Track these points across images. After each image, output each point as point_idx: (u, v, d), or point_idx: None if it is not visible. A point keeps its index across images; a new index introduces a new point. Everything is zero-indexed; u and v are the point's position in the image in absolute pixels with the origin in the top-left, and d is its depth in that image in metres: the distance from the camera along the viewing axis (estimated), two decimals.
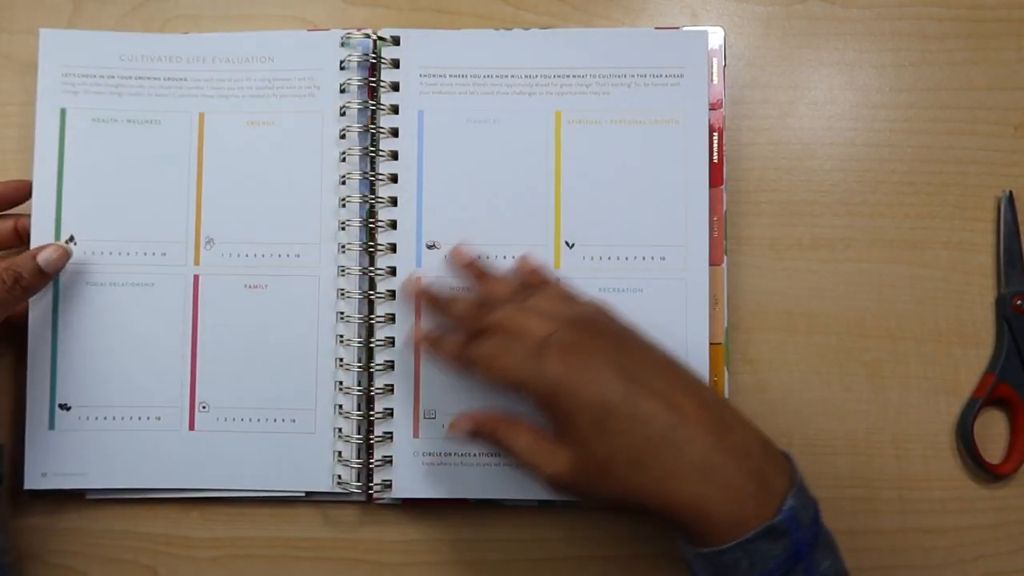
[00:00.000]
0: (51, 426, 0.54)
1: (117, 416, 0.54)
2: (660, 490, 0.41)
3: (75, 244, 0.54)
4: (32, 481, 0.54)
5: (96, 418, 0.54)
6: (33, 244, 0.54)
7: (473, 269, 0.53)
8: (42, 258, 0.51)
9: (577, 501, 0.47)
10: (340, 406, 0.53)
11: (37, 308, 0.54)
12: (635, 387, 0.42)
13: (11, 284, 0.50)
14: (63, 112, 0.55)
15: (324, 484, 0.53)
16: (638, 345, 0.46)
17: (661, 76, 0.54)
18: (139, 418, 0.54)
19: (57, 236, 0.54)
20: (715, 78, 0.55)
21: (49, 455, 0.54)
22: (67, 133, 0.55)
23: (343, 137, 0.55)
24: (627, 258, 0.53)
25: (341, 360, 0.54)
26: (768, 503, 0.40)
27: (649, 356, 0.45)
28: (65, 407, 0.54)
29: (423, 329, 0.53)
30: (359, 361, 0.54)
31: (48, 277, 0.52)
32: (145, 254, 0.55)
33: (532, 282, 0.52)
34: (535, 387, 0.44)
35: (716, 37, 0.55)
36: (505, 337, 0.46)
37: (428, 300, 0.53)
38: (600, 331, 0.46)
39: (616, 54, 0.55)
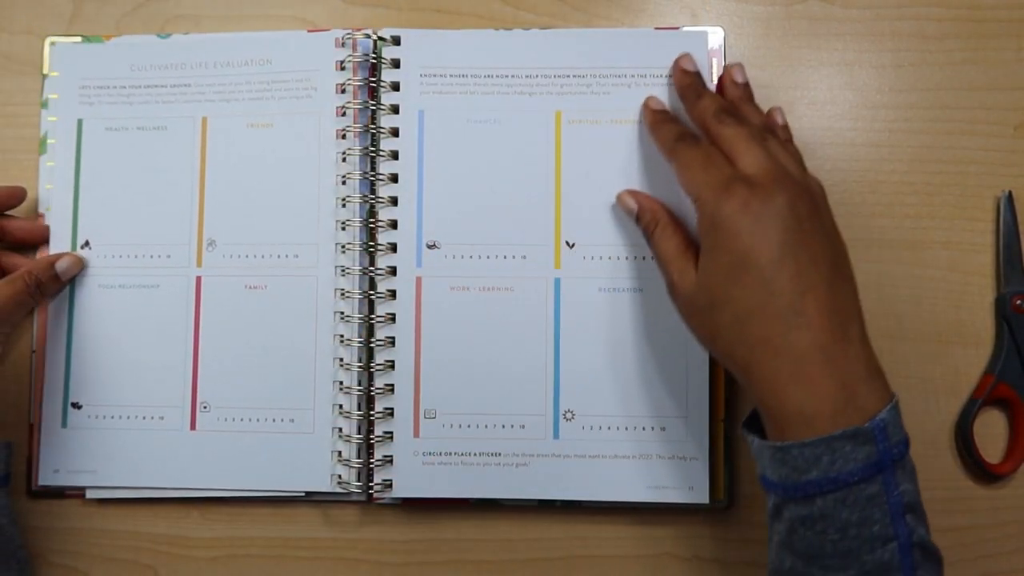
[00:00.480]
0: (64, 424, 0.54)
1: (124, 415, 0.55)
2: (748, 356, 0.43)
3: (90, 248, 0.55)
4: (45, 477, 0.54)
5: (105, 417, 0.55)
6: (52, 250, 0.56)
7: (739, 91, 0.52)
8: (60, 266, 0.54)
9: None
10: (340, 406, 0.54)
11: (53, 309, 0.55)
12: (788, 261, 0.42)
13: (33, 289, 0.53)
14: (80, 123, 0.56)
15: (323, 484, 0.53)
16: (822, 235, 0.45)
17: (661, 76, 0.54)
18: (144, 417, 0.54)
19: (74, 242, 0.56)
20: (715, 78, 0.55)
21: (61, 452, 0.54)
22: (83, 142, 0.56)
23: (343, 137, 0.55)
24: (628, 258, 0.53)
25: (341, 360, 0.54)
26: (850, 415, 0.41)
27: (822, 250, 0.44)
28: (77, 405, 0.55)
29: (656, 105, 0.53)
30: (359, 361, 0.54)
31: (63, 284, 0.55)
32: (151, 256, 0.55)
33: (779, 134, 0.50)
34: (705, 209, 0.45)
35: (716, 37, 0.55)
36: (716, 152, 0.47)
37: (684, 82, 0.52)
38: (798, 202, 0.44)
39: (616, 54, 0.55)
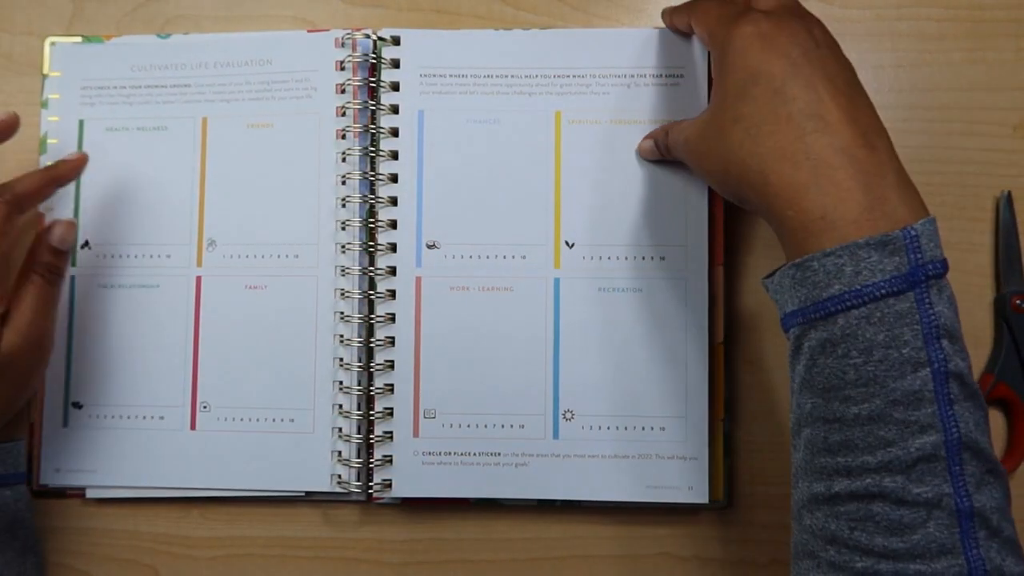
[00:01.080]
0: (64, 423, 0.55)
1: (124, 415, 0.55)
2: (763, 167, 0.40)
3: (90, 248, 0.56)
4: (46, 477, 0.55)
5: (105, 416, 0.55)
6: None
7: None
8: (55, 240, 0.52)
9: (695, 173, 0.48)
10: (340, 406, 0.54)
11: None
12: (802, 70, 0.40)
13: (53, 277, 0.52)
14: (81, 123, 0.56)
15: (323, 484, 0.53)
16: (840, 59, 0.42)
17: (660, 76, 0.54)
18: (144, 417, 0.54)
19: (75, 242, 0.56)
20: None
21: (62, 452, 0.55)
22: (84, 143, 0.56)
23: (343, 137, 0.55)
24: (627, 258, 0.53)
25: (341, 360, 0.54)
26: (877, 221, 0.37)
27: (840, 70, 0.41)
28: (78, 405, 0.55)
29: None
30: (359, 361, 0.54)
31: (67, 254, 0.54)
32: (151, 256, 0.55)
33: None
34: (716, 40, 0.44)
35: None
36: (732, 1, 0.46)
37: None
38: (815, 28, 0.43)
39: (616, 54, 0.55)
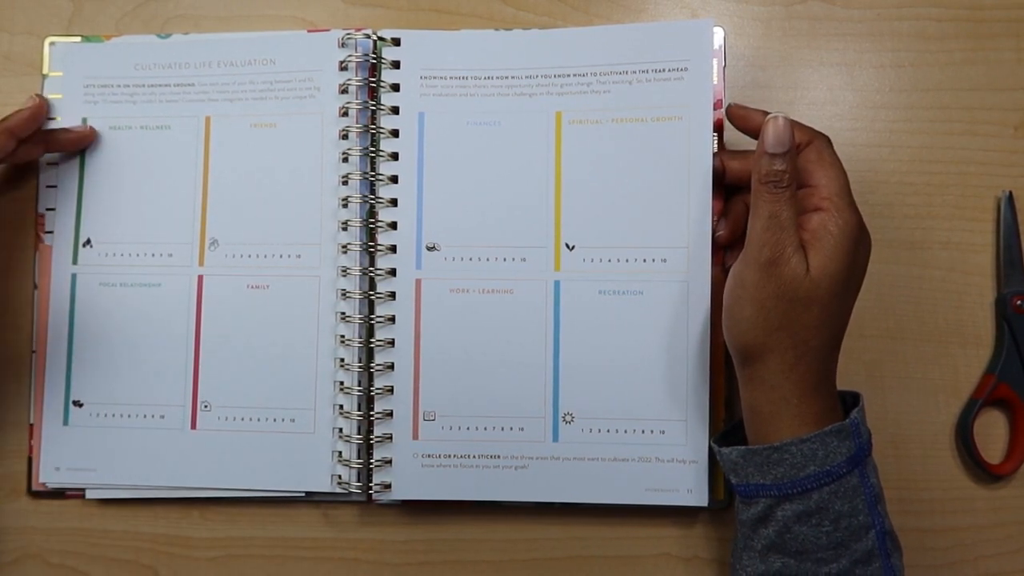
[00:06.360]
0: (65, 422, 0.55)
1: (124, 414, 0.55)
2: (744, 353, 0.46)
3: (91, 247, 0.56)
4: (46, 475, 0.55)
5: (105, 415, 0.55)
6: (55, 251, 0.55)
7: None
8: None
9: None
10: (341, 406, 0.54)
11: (55, 307, 0.55)
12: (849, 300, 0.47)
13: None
14: (84, 122, 0.56)
15: (323, 484, 0.53)
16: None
17: (664, 71, 0.54)
18: (144, 416, 0.55)
19: (77, 241, 0.56)
20: (715, 78, 0.54)
21: (62, 450, 0.55)
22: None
23: (344, 137, 0.55)
24: (628, 260, 0.53)
25: (342, 360, 0.54)
26: (806, 424, 0.45)
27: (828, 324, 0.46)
28: (78, 403, 0.55)
29: None
30: (360, 361, 0.54)
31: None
32: (153, 255, 0.55)
33: None
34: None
35: (716, 37, 0.55)
36: None
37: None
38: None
39: (616, 50, 0.54)
